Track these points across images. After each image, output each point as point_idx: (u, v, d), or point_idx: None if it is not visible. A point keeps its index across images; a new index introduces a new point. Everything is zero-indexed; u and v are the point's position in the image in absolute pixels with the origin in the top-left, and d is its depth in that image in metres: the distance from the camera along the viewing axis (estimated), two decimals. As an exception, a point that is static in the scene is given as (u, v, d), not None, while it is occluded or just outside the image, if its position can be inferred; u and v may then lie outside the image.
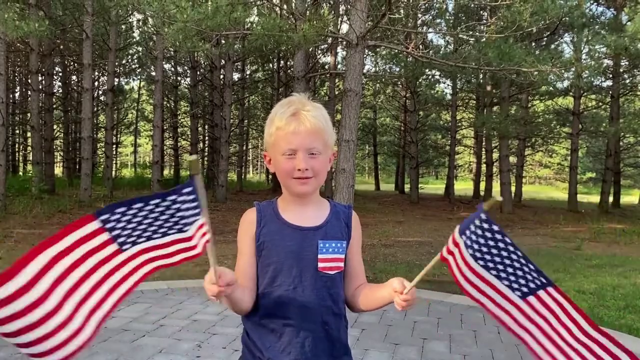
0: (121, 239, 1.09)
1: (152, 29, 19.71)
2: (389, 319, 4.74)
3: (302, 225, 1.43)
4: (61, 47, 23.12)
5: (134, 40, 25.89)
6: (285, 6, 11.40)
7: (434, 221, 14.67)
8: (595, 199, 21.93)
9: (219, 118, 20.12)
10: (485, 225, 1.10)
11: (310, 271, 1.40)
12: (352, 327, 4.38)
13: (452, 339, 4.26)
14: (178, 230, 1.12)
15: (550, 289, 1.17)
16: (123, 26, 23.35)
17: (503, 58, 7.93)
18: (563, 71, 8.55)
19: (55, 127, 23.79)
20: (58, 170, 29.18)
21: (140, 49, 26.88)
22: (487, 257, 1.14)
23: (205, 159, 29.80)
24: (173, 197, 1.07)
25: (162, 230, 1.12)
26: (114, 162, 26.56)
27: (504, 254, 1.13)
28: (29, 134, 25.26)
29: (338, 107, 20.16)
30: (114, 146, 26.50)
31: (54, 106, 22.65)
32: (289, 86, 21.28)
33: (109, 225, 1.05)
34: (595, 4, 18.79)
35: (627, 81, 20.96)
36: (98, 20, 18.17)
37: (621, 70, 19.69)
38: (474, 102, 26.87)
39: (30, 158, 22.69)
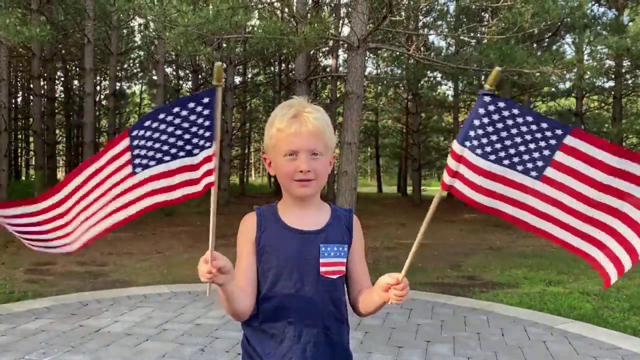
0: (137, 160, 1.15)
1: (153, 33, 19.73)
2: (393, 322, 4.72)
3: (303, 228, 1.42)
4: (63, 51, 23.19)
5: (136, 44, 25.96)
6: (286, 9, 11.41)
7: (437, 223, 14.62)
8: (598, 199, 21.85)
9: (221, 121, 20.13)
10: (491, 107, 1.06)
11: (311, 275, 1.39)
12: (355, 330, 4.36)
13: (455, 341, 4.24)
14: (187, 153, 1.15)
15: (568, 140, 1.08)
16: (124, 30, 23.41)
17: (504, 59, 7.92)
18: (565, 72, 8.55)
19: (57, 131, 23.86)
20: (61, 175, 29.24)
21: (141, 53, 26.95)
22: (498, 145, 1.10)
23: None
24: (192, 105, 1.10)
25: (173, 150, 1.16)
26: (117, 166, 26.52)
27: (514, 131, 1.09)
28: (31, 139, 25.34)
29: (340, 110, 20.14)
30: (116, 150, 26.50)
31: (56, 111, 22.73)
32: (291, 89, 21.27)
33: (134, 143, 1.14)
34: (597, 4, 18.76)
35: (630, 82, 20.91)
36: (100, 25, 18.22)
37: (623, 70, 19.64)
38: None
39: (33, 163, 22.74)
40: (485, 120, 1.07)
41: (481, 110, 1.07)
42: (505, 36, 8.00)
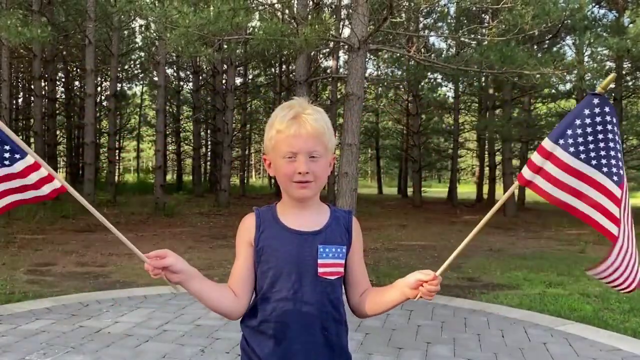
0: None
1: (154, 34, 19.76)
2: (393, 323, 4.72)
3: (301, 229, 1.42)
4: (64, 53, 23.24)
5: (137, 45, 26.02)
6: (287, 11, 11.42)
7: (437, 225, 14.64)
8: (599, 201, 21.83)
9: (221, 122, 20.16)
10: (597, 110, 1.10)
11: (309, 276, 1.39)
12: (355, 332, 4.36)
13: (456, 342, 4.24)
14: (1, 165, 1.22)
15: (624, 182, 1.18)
16: (125, 32, 23.46)
17: (505, 61, 7.93)
18: (565, 74, 8.55)
19: (58, 132, 23.88)
20: (61, 175, 29.22)
21: (142, 54, 27.01)
22: (591, 146, 1.14)
23: (208, 163, 29.87)
24: None
25: None
26: (117, 167, 26.62)
27: (610, 136, 1.13)
28: (32, 140, 25.30)
29: (340, 111, 20.15)
30: (117, 151, 26.58)
31: (57, 112, 22.75)
32: (291, 90, 21.29)
33: None
34: (597, 6, 18.78)
35: (630, 83, 20.92)
36: (101, 26, 18.26)
37: (624, 72, 19.66)
38: (476, 105, 26.84)
39: (34, 163, 22.69)
40: (588, 120, 1.12)
41: (586, 111, 1.11)
42: (505, 38, 8.01)
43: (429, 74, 18.22)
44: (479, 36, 10.26)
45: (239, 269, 1.43)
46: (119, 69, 22.95)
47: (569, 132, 1.14)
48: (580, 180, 1.18)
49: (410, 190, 26.65)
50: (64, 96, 25.91)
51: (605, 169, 1.16)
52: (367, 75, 21.58)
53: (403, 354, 3.95)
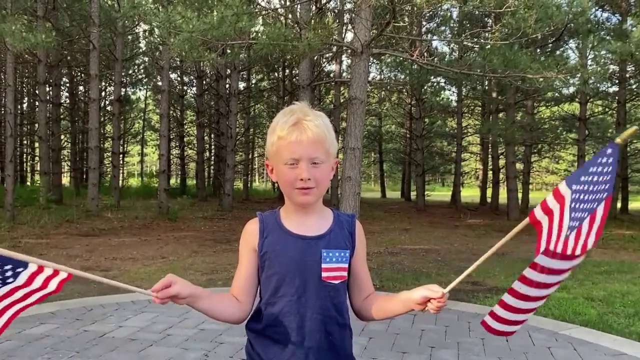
0: None
1: (158, 39, 19.87)
2: (397, 328, 4.72)
3: (305, 234, 1.42)
4: (68, 58, 23.36)
5: (140, 50, 26.13)
6: (290, 15, 11.46)
7: (441, 228, 14.62)
8: (603, 205, 21.74)
9: (225, 127, 20.21)
10: (604, 160, 1.07)
11: (313, 281, 1.39)
12: (359, 336, 4.36)
13: (460, 347, 4.23)
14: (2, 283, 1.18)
15: (599, 208, 1.09)
16: (129, 37, 23.57)
17: (508, 65, 7.92)
18: (569, 77, 8.53)
19: (62, 137, 23.96)
20: (65, 180, 29.36)
21: (146, 59, 27.12)
22: (587, 196, 1.09)
23: (212, 167, 29.92)
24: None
25: None
26: (121, 171, 26.70)
27: (601, 187, 1.08)
28: (36, 145, 25.45)
29: (343, 115, 20.17)
30: (121, 156, 26.66)
31: (62, 116, 22.84)
32: (294, 95, 21.33)
33: None
34: (600, 10, 18.77)
35: (634, 87, 20.87)
36: (105, 31, 18.35)
37: (627, 75, 19.62)
38: (480, 108, 26.84)
39: (38, 168, 22.86)
40: (599, 169, 1.08)
41: (601, 159, 1.08)
42: (508, 41, 8.01)
43: (432, 77, 18.22)
44: (482, 40, 10.28)
45: (243, 275, 1.44)
46: (123, 73, 23.05)
47: (583, 178, 1.09)
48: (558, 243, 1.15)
49: (413, 194, 26.63)
50: (68, 101, 26.02)
51: (578, 215, 1.11)
52: (370, 79, 21.61)
53: (407, 359, 3.94)
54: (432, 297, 1.30)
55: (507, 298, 1.20)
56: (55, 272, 1.19)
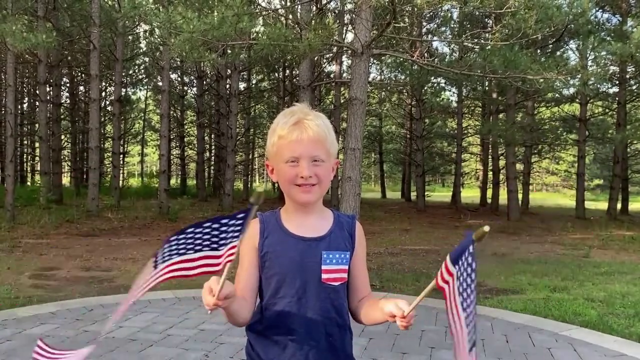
0: (158, 258, 1.17)
1: (158, 39, 19.88)
2: (397, 328, 4.70)
3: (305, 235, 1.42)
4: (69, 58, 23.37)
5: (141, 50, 26.15)
6: (290, 16, 11.47)
7: (441, 229, 14.62)
8: (603, 205, 21.77)
9: (225, 127, 20.22)
10: (470, 259, 1.06)
11: (313, 282, 1.39)
12: (359, 337, 4.36)
13: (460, 348, 4.23)
14: (211, 249, 1.14)
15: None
16: (130, 37, 23.59)
17: (508, 65, 7.93)
18: (569, 78, 8.54)
19: (63, 137, 23.97)
20: (66, 180, 29.37)
21: (146, 59, 27.14)
22: (467, 290, 1.10)
23: (212, 168, 29.93)
24: (225, 221, 1.10)
25: (196, 247, 1.14)
26: (121, 171, 26.69)
27: (472, 297, 1.09)
28: (37, 145, 25.48)
29: (343, 116, 20.17)
30: (121, 156, 26.65)
31: (62, 117, 22.84)
32: (295, 95, 21.35)
33: (160, 252, 1.17)
34: (601, 11, 18.77)
35: (634, 87, 20.87)
36: (105, 32, 18.36)
37: (627, 76, 19.63)
38: (480, 109, 26.85)
39: (38, 168, 22.85)
40: (466, 261, 1.08)
41: (466, 253, 1.07)
42: (509, 42, 8.01)
43: (432, 78, 18.25)
44: (482, 41, 10.28)
45: (244, 275, 1.43)
46: (123, 74, 23.06)
47: (461, 262, 1.09)
48: (459, 321, 1.13)
49: (413, 195, 26.61)
50: (68, 101, 26.03)
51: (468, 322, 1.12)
52: (370, 79, 21.63)
53: (407, 359, 3.94)
54: (396, 314, 1.23)
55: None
56: (231, 254, 1.11)
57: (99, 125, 16.37)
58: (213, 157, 29.46)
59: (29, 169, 33.10)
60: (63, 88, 24.22)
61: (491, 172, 24.33)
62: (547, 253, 10.33)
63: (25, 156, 31.67)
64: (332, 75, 22.57)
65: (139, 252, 9.31)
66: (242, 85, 25.25)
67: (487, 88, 22.41)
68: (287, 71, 25.53)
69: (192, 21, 6.97)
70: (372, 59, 15.82)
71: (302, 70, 14.91)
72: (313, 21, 11.48)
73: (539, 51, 16.44)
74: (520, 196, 21.37)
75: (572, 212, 20.40)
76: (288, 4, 15.94)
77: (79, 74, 26.59)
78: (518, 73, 8.03)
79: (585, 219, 18.63)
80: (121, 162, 27.16)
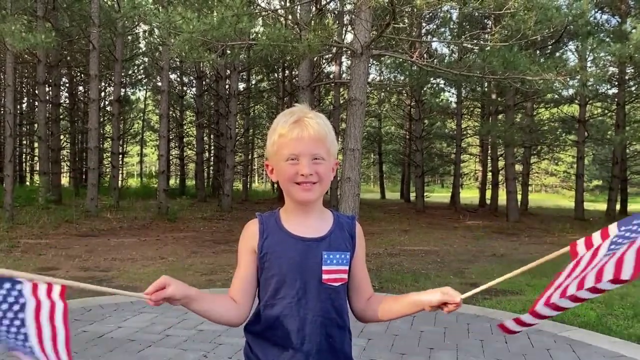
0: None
1: (158, 39, 19.87)
2: (396, 329, 4.72)
3: (305, 236, 1.41)
4: (68, 58, 23.35)
5: (140, 51, 26.14)
6: (290, 16, 11.48)
7: (440, 230, 14.62)
8: (602, 206, 21.79)
9: (225, 127, 20.21)
10: (637, 226, 1.08)
11: (314, 283, 1.38)
12: (358, 337, 4.36)
13: (459, 348, 4.23)
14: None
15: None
16: (129, 37, 23.57)
17: (508, 66, 7.94)
18: (568, 79, 8.55)
19: (62, 137, 23.95)
20: (65, 180, 29.36)
21: (146, 59, 27.13)
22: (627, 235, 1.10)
23: (211, 168, 29.93)
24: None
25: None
26: (120, 172, 26.66)
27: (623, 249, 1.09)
28: (36, 145, 25.45)
29: (343, 116, 20.19)
30: (120, 156, 26.65)
31: (61, 117, 22.84)
32: (294, 95, 21.35)
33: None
34: (600, 11, 18.80)
35: (633, 89, 20.89)
36: (104, 32, 18.34)
37: (626, 77, 19.65)
38: (479, 110, 26.84)
39: (37, 168, 22.81)
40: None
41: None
42: (508, 43, 8.03)
43: (431, 79, 18.26)
44: (481, 41, 10.29)
45: (242, 276, 1.43)
46: (122, 74, 23.05)
47: (624, 228, 1.11)
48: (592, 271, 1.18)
49: (412, 195, 26.61)
50: (68, 101, 26.01)
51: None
52: (369, 80, 21.63)
53: (406, 360, 3.94)
54: (449, 302, 1.36)
55: (541, 308, 1.20)
56: (50, 286, 1.09)
57: (98, 125, 16.36)
58: (212, 158, 29.44)
59: (28, 169, 33.07)
60: (62, 88, 24.23)
61: (490, 173, 24.33)
62: (546, 254, 10.31)
63: (24, 156, 31.63)
64: (331, 76, 22.58)
65: (138, 252, 9.30)
66: (241, 86, 25.26)
67: (486, 89, 22.42)
68: (287, 72, 25.52)
69: (191, 21, 6.97)
70: (371, 60, 15.84)
71: (302, 71, 14.92)
72: (312, 22, 11.47)
73: (538, 52, 16.44)
74: (519, 197, 21.38)
75: (571, 213, 20.42)
76: (287, 4, 15.96)
77: (78, 74, 26.56)
78: (517, 74, 8.04)
79: (584, 219, 18.65)
80: (120, 163, 27.16)
